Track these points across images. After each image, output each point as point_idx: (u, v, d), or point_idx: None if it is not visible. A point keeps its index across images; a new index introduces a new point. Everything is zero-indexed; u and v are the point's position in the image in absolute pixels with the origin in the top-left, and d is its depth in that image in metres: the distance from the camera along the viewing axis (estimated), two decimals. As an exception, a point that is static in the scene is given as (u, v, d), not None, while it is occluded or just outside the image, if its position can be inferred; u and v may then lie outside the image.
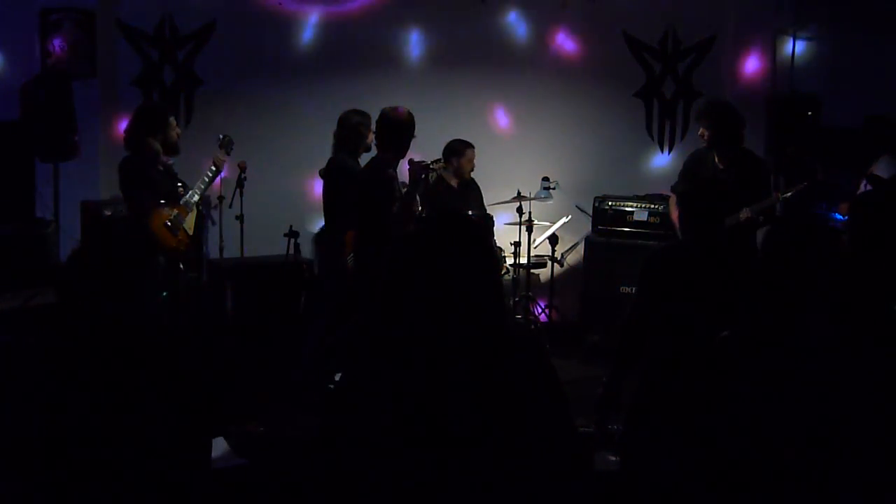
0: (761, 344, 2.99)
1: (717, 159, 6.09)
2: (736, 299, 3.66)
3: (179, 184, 5.96)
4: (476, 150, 7.53)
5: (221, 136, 6.26)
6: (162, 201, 5.81)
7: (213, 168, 6.10)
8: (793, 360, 2.89)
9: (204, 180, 6.05)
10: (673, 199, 6.40)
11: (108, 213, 6.73)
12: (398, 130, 5.73)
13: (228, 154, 6.23)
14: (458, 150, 7.32)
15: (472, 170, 7.35)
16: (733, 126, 6.02)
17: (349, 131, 6.04)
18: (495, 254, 2.69)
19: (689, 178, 6.24)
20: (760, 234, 6.27)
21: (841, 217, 7.03)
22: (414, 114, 7.50)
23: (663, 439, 3.67)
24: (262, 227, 6.83)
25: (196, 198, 5.93)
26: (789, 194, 5.88)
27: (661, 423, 3.68)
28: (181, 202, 5.88)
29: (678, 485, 3.53)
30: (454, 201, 7.20)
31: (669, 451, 3.64)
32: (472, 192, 7.45)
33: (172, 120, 5.96)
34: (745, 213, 5.79)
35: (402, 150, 5.77)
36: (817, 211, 7.38)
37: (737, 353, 3.19)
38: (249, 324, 6.64)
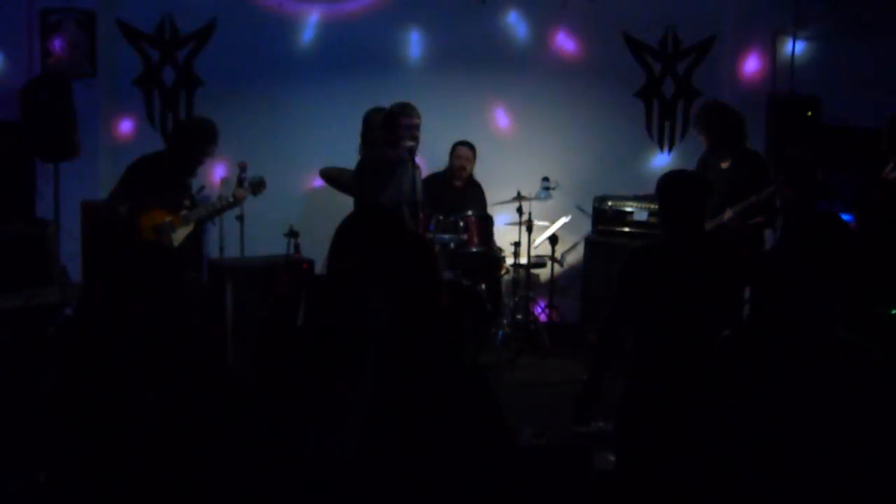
0: (764, 343, 2.99)
1: (719, 161, 6.10)
2: (717, 295, 3.66)
3: (187, 197, 5.95)
4: (476, 151, 7.54)
5: (251, 177, 6.23)
6: (158, 205, 5.80)
7: (231, 199, 6.10)
8: (796, 360, 2.88)
9: (214, 206, 6.05)
10: None
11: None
12: (385, 119, 5.84)
13: (254, 194, 6.21)
14: (451, 149, 7.38)
15: (464, 167, 7.36)
16: (730, 128, 6.05)
17: (374, 129, 6.02)
18: (414, 240, 2.79)
19: None
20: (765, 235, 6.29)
21: (850, 218, 7.02)
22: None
23: (652, 438, 3.68)
24: (262, 227, 6.82)
25: (197, 218, 5.92)
26: (762, 197, 5.87)
27: (647, 422, 3.70)
28: (181, 213, 5.86)
29: (672, 485, 3.54)
30: (455, 201, 7.21)
31: (659, 449, 3.65)
32: (474, 194, 7.46)
33: (212, 146, 5.98)
34: (728, 214, 5.81)
35: (396, 134, 5.81)
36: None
37: (738, 352, 3.19)
38: (249, 324, 6.63)
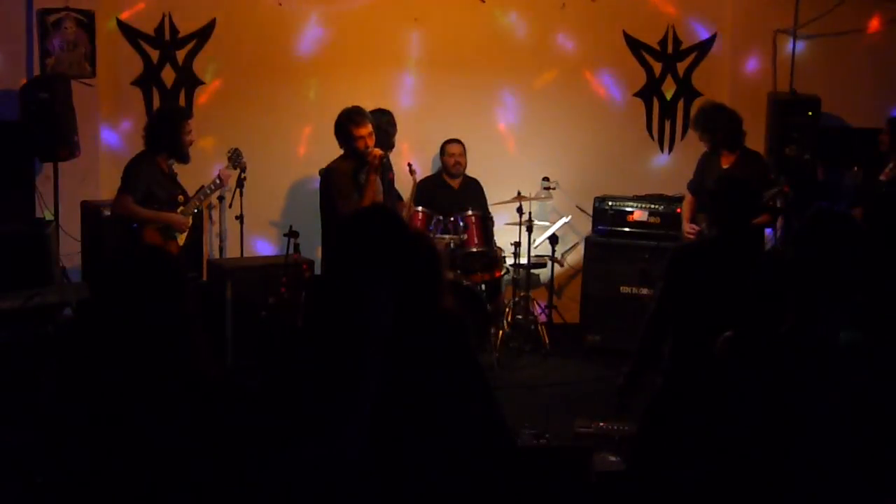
0: (767, 344, 2.99)
1: (719, 161, 6.11)
2: (753, 297, 3.66)
3: (180, 192, 5.96)
4: (476, 150, 7.55)
5: (230, 150, 6.31)
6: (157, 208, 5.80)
7: (219, 180, 6.14)
8: (800, 359, 2.88)
9: (206, 192, 6.07)
10: (688, 199, 6.42)
11: (107, 213, 6.73)
12: (337, 127, 5.77)
13: (235, 168, 6.29)
14: (441, 149, 7.40)
15: (457, 164, 7.37)
16: (728, 128, 6.05)
17: (377, 131, 6.00)
18: (420, 240, 2.77)
19: (699, 178, 6.28)
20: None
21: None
22: (414, 114, 7.53)
23: (681, 437, 3.69)
24: (262, 227, 6.84)
25: (195, 210, 5.94)
26: (767, 198, 5.88)
27: (677, 424, 3.70)
28: (178, 210, 5.88)
29: (689, 487, 3.54)
30: (454, 201, 7.21)
31: (683, 452, 3.66)
32: (472, 192, 7.46)
33: (188, 124, 5.99)
34: None
35: (349, 144, 5.75)
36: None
37: (739, 353, 3.18)
38: (249, 324, 6.64)
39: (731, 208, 3.93)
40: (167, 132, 5.85)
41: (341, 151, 5.92)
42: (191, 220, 6.03)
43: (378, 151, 5.72)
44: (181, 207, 5.93)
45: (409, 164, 6.82)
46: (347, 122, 5.75)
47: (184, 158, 5.94)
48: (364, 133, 5.73)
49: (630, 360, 4.03)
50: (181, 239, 5.95)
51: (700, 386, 3.64)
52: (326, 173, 5.88)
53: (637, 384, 3.94)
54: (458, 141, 7.43)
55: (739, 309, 3.64)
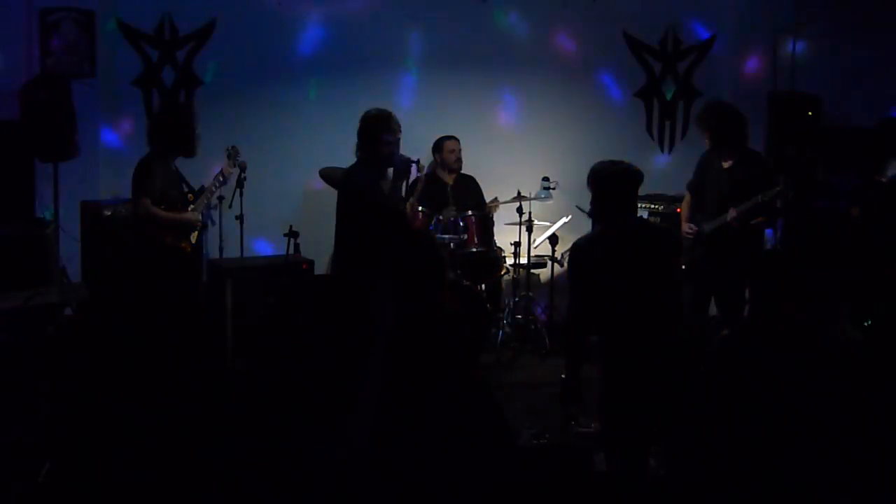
0: (766, 341, 3.00)
1: (721, 159, 6.10)
2: (660, 275, 3.74)
3: (186, 189, 5.98)
4: (476, 150, 7.55)
5: (228, 147, 6.33)
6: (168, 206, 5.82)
7: (222, 178, 6.18)
8: (798, 357, 2.89)
9: (212, 190, 6.12)
10: (688, 198, 6.42)
11: (107, 213, 6.73)
12: (364, 130, 5.60)
13: (235, 165, 6.32)
14: (437, 146, 7.43)
15: (457, 160, 7.39)
16: (732, 128, 6.04)
17: None
18: (423, 242, 2.77)
19: (699, 178, 6.28)
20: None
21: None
22: (414, 114, 7.52)
23: (633, 419, 3.75)
24: (262, 227, 6.83)
25: (203, 207, 5.98)
26: (767, 198, 5.88)
27: (626, 407, 3.77)
28: (190, 208, 5.90)
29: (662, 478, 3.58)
30: (454, 199, 7.21)
31: (641, 428, 3.73)
32: (468, 189, 7.46)
33: (196, 121, 6.03)
34: (731, 213, 5.83)
35: (377, 149, 5.56)
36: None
37: (737, 350, 3.19)
38: (249, 324, 6.64)
39: (616, 195, 3.90)
40: (180, 132, 5.87)
41: (341, 151, 5.91)
42: (202, 218, 6.06)
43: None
44: (192, 206, 5.96)
45: (418, 160, 6.80)
46: (378, 126, 5.56)
47: (193, 154, 6.00)
48: (394, 139, 5.57)
49: (565, 368, 4.09)
50: (193, 237, 5.98)
51: (640, 367, 3.72)
52: (360, 188, 5.60)
53: (577, 389, 4.03)
54: (454, 137, 7.44)
55: (647, 289, 3.76)
